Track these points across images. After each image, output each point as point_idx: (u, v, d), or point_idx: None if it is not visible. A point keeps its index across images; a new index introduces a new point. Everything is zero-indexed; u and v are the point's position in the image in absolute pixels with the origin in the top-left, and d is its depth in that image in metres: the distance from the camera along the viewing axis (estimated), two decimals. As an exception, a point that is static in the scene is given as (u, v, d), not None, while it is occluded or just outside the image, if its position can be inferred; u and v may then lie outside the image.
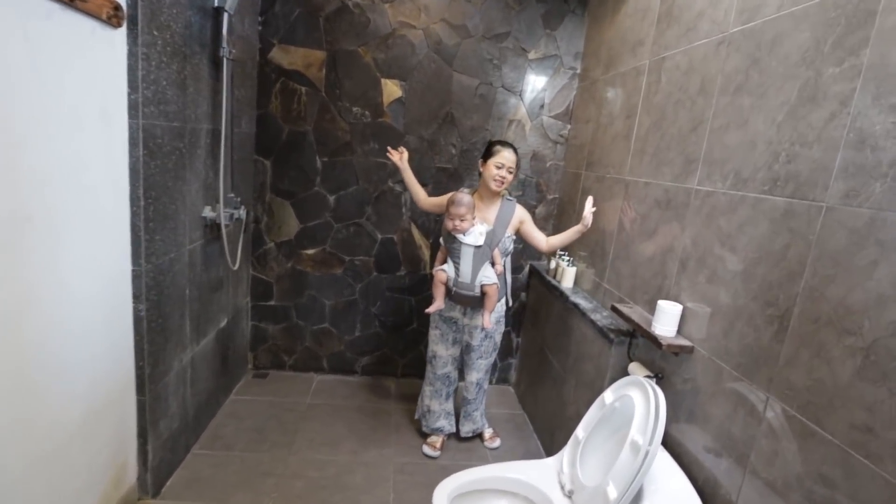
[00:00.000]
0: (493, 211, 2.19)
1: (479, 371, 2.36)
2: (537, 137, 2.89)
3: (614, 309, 1.87)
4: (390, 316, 3.03)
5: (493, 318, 2.21)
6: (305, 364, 3.06)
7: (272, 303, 2.95)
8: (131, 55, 1.52)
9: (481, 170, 2.17)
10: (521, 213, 2.22)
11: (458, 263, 2.08)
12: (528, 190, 2.95)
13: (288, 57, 2.65)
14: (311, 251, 2.90)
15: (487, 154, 2.15)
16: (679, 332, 1.59)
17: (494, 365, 3.18)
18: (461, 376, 2.53)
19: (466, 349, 2.34)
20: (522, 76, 2.80)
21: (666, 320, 1.57)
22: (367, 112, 2.75)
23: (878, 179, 1.00)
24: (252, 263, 2.88)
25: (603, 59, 2.49)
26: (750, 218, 1.35)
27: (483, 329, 2.24)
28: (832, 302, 1.08)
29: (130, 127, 1.56)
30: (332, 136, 2.76)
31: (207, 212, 2.12)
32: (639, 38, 2.11)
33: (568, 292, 2.41)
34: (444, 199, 2.19)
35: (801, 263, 1.17)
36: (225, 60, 2.04)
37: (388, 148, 2.30)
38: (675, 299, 1.65)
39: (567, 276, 2.50)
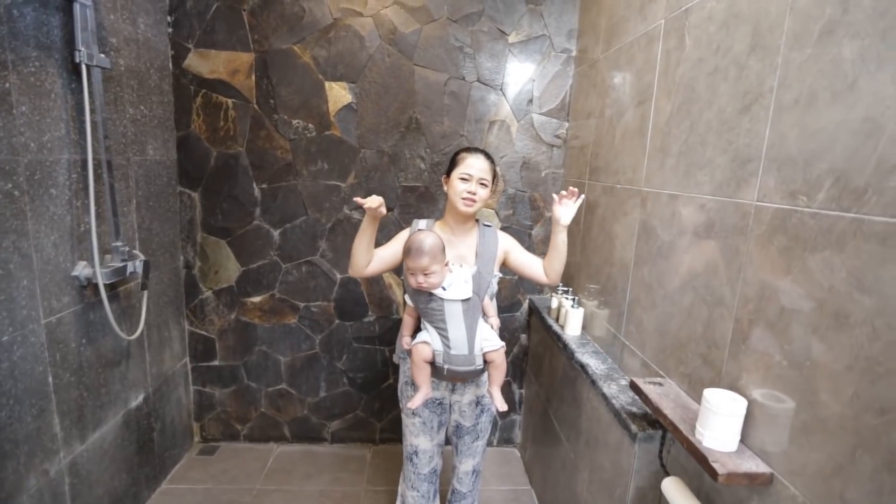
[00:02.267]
0: (469, 244, 1.56)
1: (475, 456, 1.71)
2: (527, 141, 2.29)
3: (636, 388, 1.24)
4: (360, 371, 2.46)
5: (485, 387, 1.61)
6: (263, 433, 2.51)
7: (216, 363, 2.42)
8: None
9: (445, 189, 1.55)
10: (505, 242, 1.61)
11: (445, 330, 1.42)
12: (519, 207, 2.34)
13: (208, 63, 2.13)
14: (256, 299, 2.36)
15: (451, 166, 1.54)
16: (744, 441, 0.97)
17: (494, 423, 2.56)
18: (446, 457, 1.88)
19: (457, 432, 1.68)
20: (503, 65, 2.21)
21: (719, 424, 0.95)
22: (310, 125, 2.20)
23: None
24: (187, 317, 2.36)
25: (603, 32, 1.88)
26: (879, 262, 0.72)
27: (482, 407, 1.64)
28: None
29: None
30: (270, 156, 2.22)
31: (82, 269, 1.60)
32: (648, -9, 1.51)
33: (573, 344, 1.79)
34: (393, 247, 1.55)
35: None
36: (85, 68, 1.52)
37: (356, 199, 1.46)
38: (732, 383, 1.03)
39: (572, 321, 1.88)
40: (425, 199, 2.30)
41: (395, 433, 2.54)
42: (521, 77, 2.22)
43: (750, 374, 0.98)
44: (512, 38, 2.19)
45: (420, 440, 1.64)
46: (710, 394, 0.98)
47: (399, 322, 2.40)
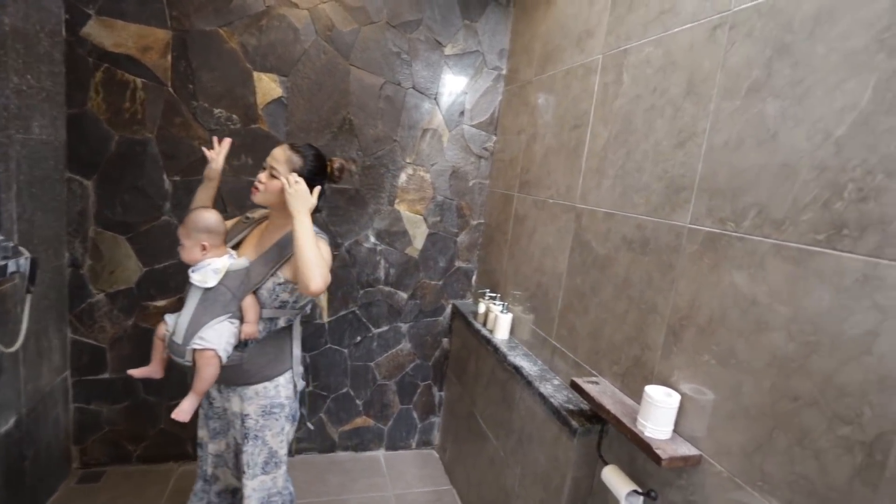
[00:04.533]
0: (272, 235, 1.41)
1: (245, 498, 1.42)
2: (457, 151, 2.37)
3: (576, 387, 1.37)
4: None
5: (262, 403, 1.41)
6: (162, 452, 2.25)
7: (106, 375, 2.12)
8: None
9: None
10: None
11: (180, 312, 1.34)
12: (447, 215, 2.41)
13: (113, 35, 1.88)
14: (161, 302, 2.12)
15: None
16: (676, 429, 1.12)
17: (413, 427, 2.59)
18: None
19: (237, 446, 1.48)
20: (438, 75, 2.27)
21: (659, 416, 1.10)
22: (234, 115, 2.05)
23: None
24: (71, 323, 2.04)
25: (536, 57, 2.03)
26: (794, 279, 0.90)
27: (246, 430, 1.41)
28: None
29: None
30: (186, 146, 2.02)
31: (-51, 266, 1.32)
32: (587, 27, 1.67)
33: (504, 347, 1.89)
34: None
35: (908, 365, 0.72)
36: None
37: (213, 145, 1.52)
38: (665, 380, 1.19)
39: (501, 326, 1.99)
40: (355, 202, 2.26)
41: (311, 441, 2.45)
42: (454, 88, 2.30)
43: (681, 372, 1.14)
44: (448, 50, 2.25)
45: (201, 431, 1.55)
46: (651, 390, 1.12)
47: (323, 327, 2.33)
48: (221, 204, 2.09)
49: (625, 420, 1.17)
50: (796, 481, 0.87)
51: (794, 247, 0.90)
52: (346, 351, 2.40)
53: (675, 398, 1.11)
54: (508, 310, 2.02)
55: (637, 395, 1.26)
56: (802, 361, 0.87)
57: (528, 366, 1.73)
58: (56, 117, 1.83)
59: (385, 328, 2.43)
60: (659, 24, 1.32)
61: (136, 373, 1.42)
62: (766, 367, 0.94)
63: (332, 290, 2.32)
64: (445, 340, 2.55)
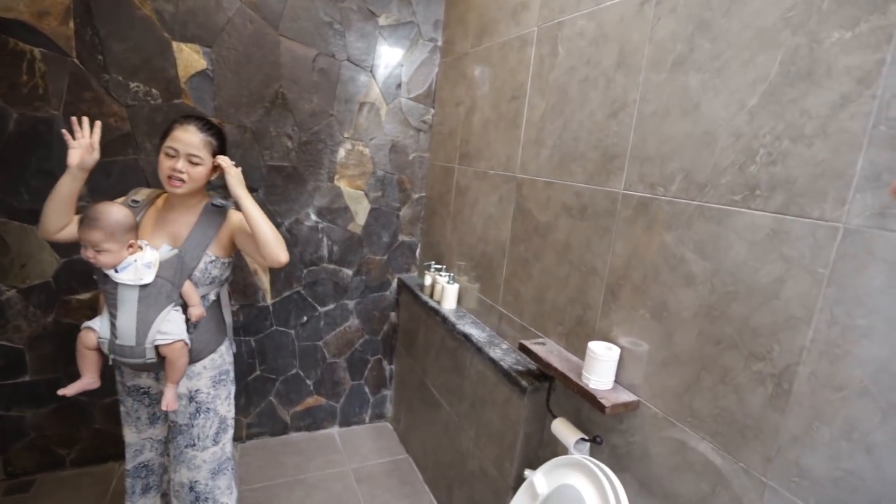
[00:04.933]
0: (187, 222, 1.36)
1: (191, 468, 1.43)
2: (396, 124, 2.34)
3: (525, 349, 1.45)
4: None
5: (211, 374, 1.42)
6: (100, 453, 2.13)
7: (26, 378, 1.96)
8: None
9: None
10: (236, 222, 1.41)
11: (115, 316, 1.26)
12: (388, 189, 2.40)
13: (0, -2, 1.67)
14: (85, 295, 1.97)
15: (162, 136, 1.33)
16: (617, 380, 1.23)
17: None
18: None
19: (171, 431, 1.44)
20: (373, 47, 2.21)
21: (601, 369, 1.19)
22: (153, 90, 1.90)
23: (939, 193, 0.69)
24: (-22, 324, 1.85)
25: (472, 29, 2.03)
26: (715, 237, 1.00)
27: (197, 405, 1.42)
28: (869, 365, 0.76)
29: None
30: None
31: None
32: (520, -1, 1.69)
33: (452, 317, 1.95)
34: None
35: (808, 307, 0.84)
36: None
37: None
38: (605, 336, 1.28)
39: (448, 296, 2.04)
40: (293, 180, 2.19)
41: (265, 426, 2.41)
42: (390, 60, 2.26)
43: (619, 327, 1.24)
44: (382, 21, 2.20)
45: (127, 431, 1.48)
46: (594, 345, 1.21)
47: (266, 310, 2.28)
48: (146, 186, 1.95)
49: (571, 375, 1.26)
50: (720, 414, 0.99)
51: (715, 207, 1.00)
52: (292, 332, 2.36)
53: (615, 351, 1.20)
54: (455, 280, 2.07)
55: (581, 352, 1.36)
56: (724, 309, 0.98)
57: (476, 333, 1.79)
58: (-62, 93, 1.62)
59: (332, 306, 2.41)
60: (590, -3, 1.36)
61: (70, 391, 1.30)
62: (694, 317, 1.04)
63: (274, 271, 2.26)
64: (393, 314, 2.57)
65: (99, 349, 1.31)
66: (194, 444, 1.43)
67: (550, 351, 1.41)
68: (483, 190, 1.92)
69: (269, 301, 2.28)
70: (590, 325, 1.35)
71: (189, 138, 1.29)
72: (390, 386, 2.67)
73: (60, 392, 1.30)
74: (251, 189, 2.03)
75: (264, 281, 2.25)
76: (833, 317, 0.81)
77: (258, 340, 2.30)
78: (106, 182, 1.90)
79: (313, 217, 2.28)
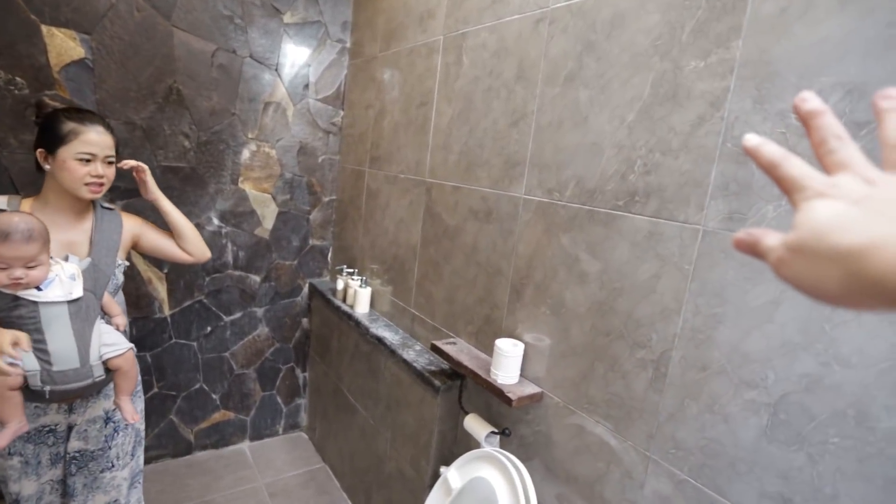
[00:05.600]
0: (83, 230, 1.28)
1: (108, 491, 1.35)
2: (304, 126, 2.29)
3: (437, 350, 1.49)
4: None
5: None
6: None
7: None
8: None
9: (45, 165, 1.20)
10: (133, 225, 1.38)
11: (42, 342, 1.11)
12: (297, 192, 2.33)
13: None
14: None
15: (54, 138, 1.18)
16: (522, 374, 1.31)
17: (278, 412, 2.52)
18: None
19: (78, 461, 1.30)
20: (278, 45, 2.14)
21: (507, 365, 1.26)
22: (17, 78, 1.69)
23: (771, 202, 0.82)
24: None
25: (380, 32, 2.04)
26: (604, 238, 1.11)
27: (115, 426, 1.35)
28: (724, 347, 0.89)
29: None
30: (-51, 116, 1.61)
31: None
32: (427, 7, 1.73)
33: (365, 321, 1.94)
34: None
35: (678, 299, 0.96)
36: None
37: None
38: (511, 333, 1.36)
39: (361, 300, 2.03)
40: (192, 182, 2.05)
41: (166, 449, 2.23)
42: (297, 60, 2.19)
43: (524, 324, 1.32)
44: (287, 18, 2.13)
45: (23, 484, 1.26)
46: (501, 343, 1.28)
47: (163, 322, 2.11)
48: (13, 187, 1.73)
49: (480, 372, 1.31)
50: (611, 399, 1.09)
51: (603, 212, 1.11)
52: (194, 344, 2.21)
53: (520, 347, 1.28)
54: (367, 284, 2.07)
55: (490, 350, 1.42)
56: (612, 304, 1.09)
57: (390, 336, 1.81)
58: None
59: (238, 314, 2.29)
60: (492, 12, 1.44)
61: (2, 441, 1.08)
62: (587, 312, 1.14)
63: (171, 279, 2.10)
64: (305, 320, 2.50)
65: (23, 387, 1.10)
66: (112, 466, 1.35)
67: (461, 350, 1.47)
68: (394, 194, 1.93)
69: (168, 312, 2.12)
70: (497, 324, 1.42)
71: (104, 140, 1.22)
72: (304, 394, 2.59)
73: None
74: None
75: (160, 290, 2.09)
76: (697, 307, 0.93)
77: (155, 355, 2.13)
78: (-41, 183, 1.65)
79: (216, 221, 2.15)
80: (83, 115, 1.22)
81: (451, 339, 1.56)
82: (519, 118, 1.34)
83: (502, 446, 1.35)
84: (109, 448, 1.34)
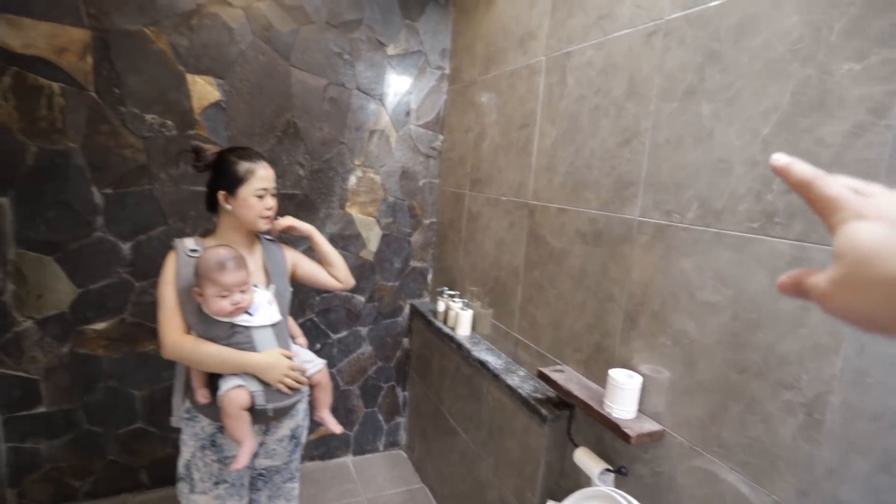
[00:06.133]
0: (256, 261, 1.39)
1: (289, 499, 1.51)
2: (406, 151, 2.38)
3: (543, 377, 1.44)
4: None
5: (304, 406, 1.45)
6: (113, 484, 2.11)
7: (41, 409, 1.96)
8: None
9: (226, 205, 1.30)
10: (292, 254, 1.51)
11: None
12: (399, 215, 2.42)
13: (21, 35, 1.71)
14: (100, 325, 1.98)
15: (231, 179, 1.28)
16: (640, 408, 1.22)
17: (379, 429, 2.60)
18: None
19: (264, 477, 1.45)
20: (382, 76, 2.26)
21: (624, 397, 1.18)
22: (168, 121, 1.94)
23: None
24: (-5, 356, 1.86)
25: (479, 57, 2.07)
26: (734, 264, 1.00)
27: (297, 441, 1.45)
28: None
29: None
30: (116, 156, 1.89)
31: None
32: (528, 29, 1.73)
33: (467, 344, 1.94)
34: (172, 290, 1.25)
35: (836, 335, 0.83)
36: None
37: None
38: (625, 363, 1.28)
39: (462, 323, 2.03)
40: (305, 207, 2.21)
41: (274, 455, 2.39)
42: (399, 89, 2.30)
43: (640, 354, 1.23)
44: (390, 51, 2.25)
45: None
46: (615, 373, 1.21)
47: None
48: (161, 215, 1.98)
49: (592, 404, 1.24)
50: (749, 444, 0.97)
51: (734, 234, 1.01)
52: (304, 359, 2.36)
53: (637, 379, 1.19)
54: (468, 306, 2.07)
55: (601, 380, 1.35)
56: (748, 337, 0.98)
57: (492, 360, 1.78)
58: (-38, 131, 1.65)
59: (344, 333, 2.41)
60: (598, 29, 1.39)
61: (242, 462, 1.18)
62: (716, 344, 1.04)
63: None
64: (406, 340, 2.56)
65: (251, 407, 1.21)
66: (292, 477, 1.49)
67: (570, 378, 1.40)
68: (495, 216, 1.93)
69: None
70: (609, 352, 1.34)
71: (270, 174, 1.33)
72: (404, 413, 2.65)
73: (236, 465, 1.18)
74: (280, 215, 2.06)
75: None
76: (861, 345, 0.80)
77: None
78: (121, 212, 1.93)
79: (325, 244, 2.29)
80: (250, 153, 1.32)
81: (559, 367, 1.50)
82: (631, 136, 1.27)
83: (617, 486, 1.26)
84: (291, 462, 1.46)
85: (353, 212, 2.33)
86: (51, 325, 1.92)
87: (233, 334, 1.21)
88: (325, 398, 1.38)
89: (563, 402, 1.47)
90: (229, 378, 1.21)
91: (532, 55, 1.70)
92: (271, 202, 1.33)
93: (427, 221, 2.48)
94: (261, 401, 1.23)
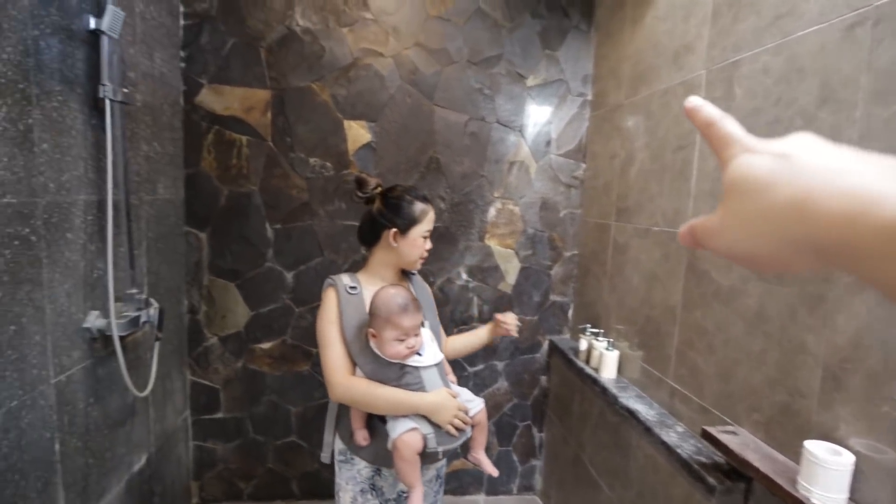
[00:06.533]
0: None
1: None
2: (546, 181, 2.30)
3: (710, 437, 1.21)
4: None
5: None
6: (270, 490, 2.32)
7: (220, 415, 2.24)
8: None
9: (393, 243, 1.29)
10: (429, 288, 1.51)
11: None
12: (539, 247, 2.33)
13: (222, 99, 2.06)
14: (266, 345, 2.22)
15: (407, 218, 1.28)
16: (853, 496, 0.94)
17: (513, 470, 2.47)
18: None
19: None
20: (521, 107, 2.24)
21: (828, 479, 0.92)
22: (327, 163, 2.15)
23: None
24: (190, 366, 2.19)
25: (626, 79, 1.94)
26: None
27: (441, 480, 1.43)
28: None
29: None
30: (285, 196, 2.14)
31: (94, 319, 1.46)
32: (683, 42, 1.56)
33: (613, 388, 1.75)
34: (336, 329, 1.25)
35: None
36: (109, 103, 1.42)
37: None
38: (827, 434, 1.01)
39: (607, 364, 1.85)
40: (445, 240, 2.26)
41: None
42: (539, 119, 2.25)
43: (850, 426, 0.96)
44: (530, 82, 2.23)
45: None
46: (814, 447, 0.95)
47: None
48: (318, 248, 2.18)
49: (780, 481, 1.00)
50: None
51: None
52: (440, 390, 2.36)
53: (848, 458, 0.93)
54: (614, 346, 1.88)
55: (789, 450, 1.09)
56: None
57: (643, 409, 1.58)
58: (176, 178, 2.02)
59: (481, 367, 2.37)
60: (776, 30, 1.19)
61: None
62: (979, 425, 0.76)
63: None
64: (544, 378, 2.43)
65: (423, 450, 1.16)
66: None
67: (745, 443, 1.16)
68: (645, 248, 1.74)
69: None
70: (802, 417, 1.08)
71: (433, 216, 1.33)
72: (540, 456, 2.49)
73: None
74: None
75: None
76: None
77: (408, 396, 2.34)
78: (287, 245, 2.16)
79: (464, 276, 2.30)
80: (423, 195, 1.33)
81: (729, 427, 1.25)
82: (828, 150, 1.03)
83: None
84: (437, 502, 1.43)
85: (493, 244, 2.31)
86: (230, 342, 2.20)
87: (403, 375, 1.17)
88: (482, 438, 1.30)
89: (736, 472, 1.22)
90: (401, 420, 1.16)
91: (689, 70, 1.53)
92: (430, 244, 1.35)
93: (568, 254, 2.36)
94: (433, 444, 1.17)
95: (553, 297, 2.37)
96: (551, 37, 2.22)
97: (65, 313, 1.36)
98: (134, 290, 1.60)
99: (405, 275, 1.44)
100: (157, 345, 1.70)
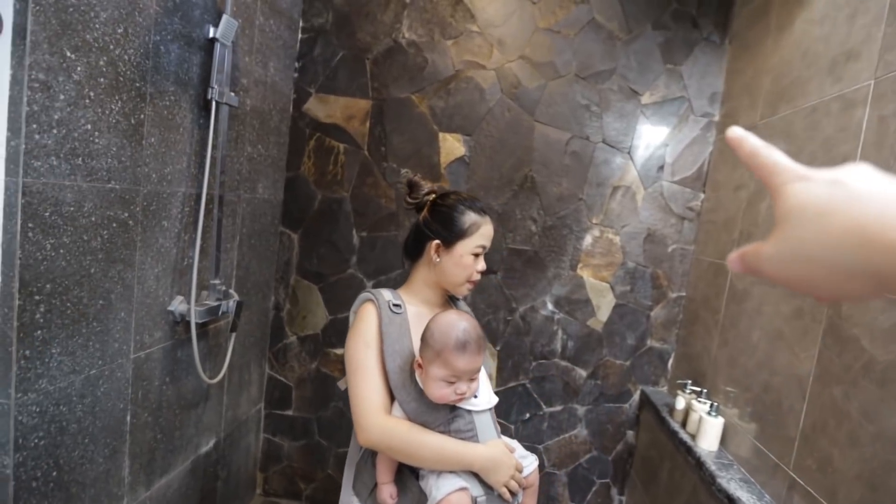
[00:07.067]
0: None
1: None
2: (654, 211, 2.03)
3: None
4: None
5: None
6: (326, 496, 2.30)
7: (290, 412, 2.29)
8: (15, 82, 1.00)
9: (436, 257, 1.12)
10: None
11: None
12: (639, 284, 2.06)
13: (326, 108, 2.13)
14: (339, 350, 2.22)
15: (453, 228, 1.11)
16: None
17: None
18: None
19: None
20: (632, 127, 2.01)
21: None
22: (418, 175, 2.11)
23: None
24: (269, 360, 2.27)
25: (764, 96, 1.63)
26: None
27: None
28: None
29: (7, 188, 1.02)
30: (374, 204, 2.14)
31: (178, 304, 1.54)
32: (845, 48, 1.25)
33: (711, 463, 1.43)
34: (375, 356, 1.06)
35: None
36: (215, 104, 1.52)
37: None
38: None
39: (707, 432, 1.53)
40: (533, 265, 2.08)
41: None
42: (652, 141, 2.01)
43: None
44: (645, 99, 1.99)
45: None
46: None
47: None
48: (400, 260, 2.14)
49: None
50: None
51: None
52: (512, 427, 2.17)
53: None
54: (719, 412, 1.56)
55: None
56: None
57: (749, 500, 1.25)
58: (277, 180, 2.13)
59: (558, 408, 2.13)
60: None
61: None
62: None
63: (502, 358, 2.14)
64: (631, 433, 2.12)
65: None
66: None
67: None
68: (771, 298, 1.42)
69: (493, 389, 2.16)
70: None
71: (492, 232, 1.16)
72: (618, 523, 2.16)
73: None
74: (490, 271, 2.02)
75: (490, 366, 2.15)
76: None
77: (476, 428, 2.18)
78: (370, 253, 2.16)
79: (550, 306, 2.10)
80: (479, 204, 1.16)
81: (871, 555, 0.92)
82: None
83: None
84: None
85: (585, 275, 2.09)
86: (307, 343, 2.24)
87: (453, 419, 0.98)
88: (533, 501, 1.10)
89: None
90: (447, 477, 0.96)
91: (851, 81, 1.22)
92: (483, 265, 1.15)
93: (674, 295, 2.05)
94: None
95: (651, 343, 2.06)
96: (675, 49, 1.97)
97: (151, 294, 1.45)
98: (217, 281, 1.67)
99: (451, 300, 1.27)
100: (232, 336, 1.77)
